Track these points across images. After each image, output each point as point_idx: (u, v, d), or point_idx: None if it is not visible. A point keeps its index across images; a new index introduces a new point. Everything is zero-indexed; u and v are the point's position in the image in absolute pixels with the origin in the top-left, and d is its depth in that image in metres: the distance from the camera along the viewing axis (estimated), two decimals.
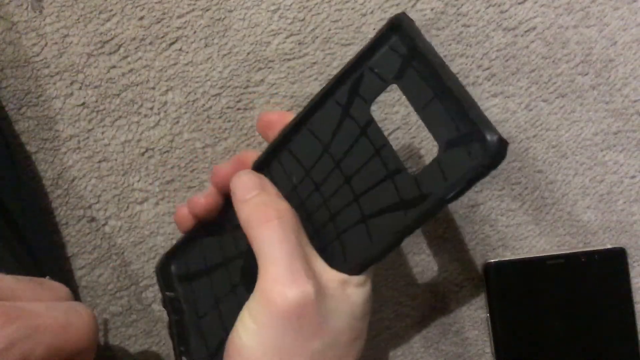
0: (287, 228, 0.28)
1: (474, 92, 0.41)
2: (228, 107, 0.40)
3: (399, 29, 0.29)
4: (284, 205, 0.29)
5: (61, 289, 0.28)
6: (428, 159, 0.41)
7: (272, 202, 0.29)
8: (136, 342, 0.42)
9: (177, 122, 0.40)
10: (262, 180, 0.31)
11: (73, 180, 0.40)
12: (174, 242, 0.38)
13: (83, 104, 0.40)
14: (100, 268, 0.41)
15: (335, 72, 0.40)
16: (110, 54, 0.39)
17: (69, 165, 0.40)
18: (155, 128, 0.40)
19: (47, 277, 0.31)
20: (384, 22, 0.40)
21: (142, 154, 0.40)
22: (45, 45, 0.39)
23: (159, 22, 0.39)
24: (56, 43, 0.39)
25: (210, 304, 0.35)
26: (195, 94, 0.40)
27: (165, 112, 0.40)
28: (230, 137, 0.40)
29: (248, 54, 0.40)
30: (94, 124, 0.40)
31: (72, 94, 0.40)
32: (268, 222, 0.28)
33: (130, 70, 0.40)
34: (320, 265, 0.29)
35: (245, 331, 0.27)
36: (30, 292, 0.27)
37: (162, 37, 0.40)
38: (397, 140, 0.41)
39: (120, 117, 0.40)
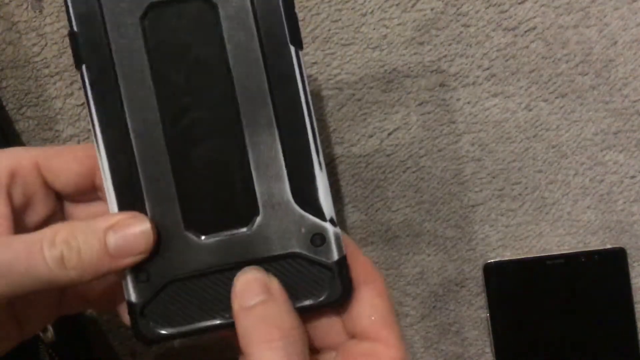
0: (292, 351, 0.25)
1: (474, 92, 0.41)
2: None
3: None
4: (290, 322, 0.25)
5: None
6: (427, 161, 0.41)
7: (277, 316, 0.25)
8: None
9: None
10: (270, 281, 0.27)
11: None
12: None
13: (83, 104, 0.40)
14: None
15: (334, 71, 0.40)
16: None
17: None
18: None
19: None
20: (384, 22, 0.40)
21: None
22: (45, 45, 0.39)
23: None
24: (56, 43, 0.39)
25: None
26: None
27: None
28: None
29: None
30: None
31: (72, 94, 0.40)
32: (270, 343, 0.25)
33: None
34: None
35: None
36: None
37: None
38: (397, 140, 0.41)
39: None
